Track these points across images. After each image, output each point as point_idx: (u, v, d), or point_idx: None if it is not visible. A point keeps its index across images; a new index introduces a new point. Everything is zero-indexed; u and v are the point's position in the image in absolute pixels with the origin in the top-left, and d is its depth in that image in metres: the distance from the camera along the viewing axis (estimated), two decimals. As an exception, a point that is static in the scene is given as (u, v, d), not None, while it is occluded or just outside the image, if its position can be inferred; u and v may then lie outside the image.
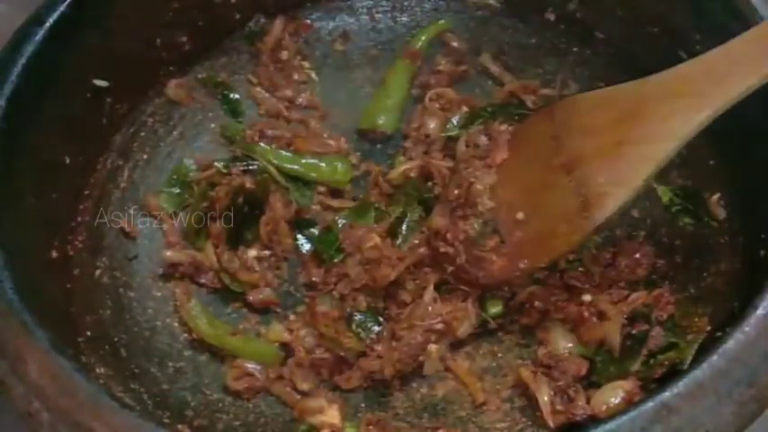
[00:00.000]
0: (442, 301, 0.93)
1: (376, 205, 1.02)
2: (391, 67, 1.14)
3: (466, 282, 0.93)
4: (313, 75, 1.16)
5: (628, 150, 0.81)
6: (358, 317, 0.93)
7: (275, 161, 1.04)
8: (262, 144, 1.05)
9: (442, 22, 1.16)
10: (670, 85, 0.81)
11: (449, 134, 1.06)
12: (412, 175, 1.04)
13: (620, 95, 0.85)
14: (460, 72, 1.14)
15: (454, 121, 1.07)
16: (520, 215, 0.90)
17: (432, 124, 1.08)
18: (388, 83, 1.13)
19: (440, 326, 0.92)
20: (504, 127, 0.97)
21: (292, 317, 0.98)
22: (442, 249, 0.93)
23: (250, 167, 1.03)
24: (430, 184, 1.01)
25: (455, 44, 1.15)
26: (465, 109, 1.08)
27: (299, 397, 0.92)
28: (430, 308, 0.92)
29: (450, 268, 0.93)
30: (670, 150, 0.79)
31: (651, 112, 0.81)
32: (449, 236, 0.93)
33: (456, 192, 0.94)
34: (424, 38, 1.14)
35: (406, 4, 1.19)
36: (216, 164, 1.05)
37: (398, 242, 0.97)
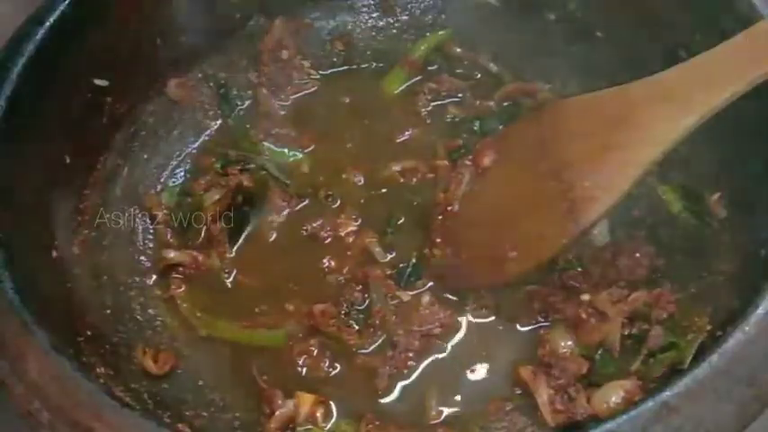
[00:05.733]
0: (439, 305, 0.93)
1: None
2: (388, 72, 1.15)
3: (459, 285, 0.94)
4: (313, 74, 1.16)
5: (614, 155, 0.82)
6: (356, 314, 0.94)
7: (280, 160, 1.04)
8: (266, 144, 1.06)
9: (442, 32, 1.16)
10: (657, 90, 0.81)
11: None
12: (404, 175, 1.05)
13: (608, 100, 0.86)
14: (459, 79, 1.14)
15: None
16: (507, 218, 0.90)
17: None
18: (383, 87, 1.14)
19: (437, 330, 0.92)
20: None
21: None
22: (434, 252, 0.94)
23: (247, 167, 1.04)
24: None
25: (456, 50, 1.15)
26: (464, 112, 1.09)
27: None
28: (427, 311, 0.93)
29: (442, 272, 0.94)
30: (656, 155, 0.80)
31: (638, 116, 0.82)
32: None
33: (442, 194, 0.97)
34: (423, 48, 1.15)
35: (406, 2, 1.19)
36: (215, 164, 1.05)
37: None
